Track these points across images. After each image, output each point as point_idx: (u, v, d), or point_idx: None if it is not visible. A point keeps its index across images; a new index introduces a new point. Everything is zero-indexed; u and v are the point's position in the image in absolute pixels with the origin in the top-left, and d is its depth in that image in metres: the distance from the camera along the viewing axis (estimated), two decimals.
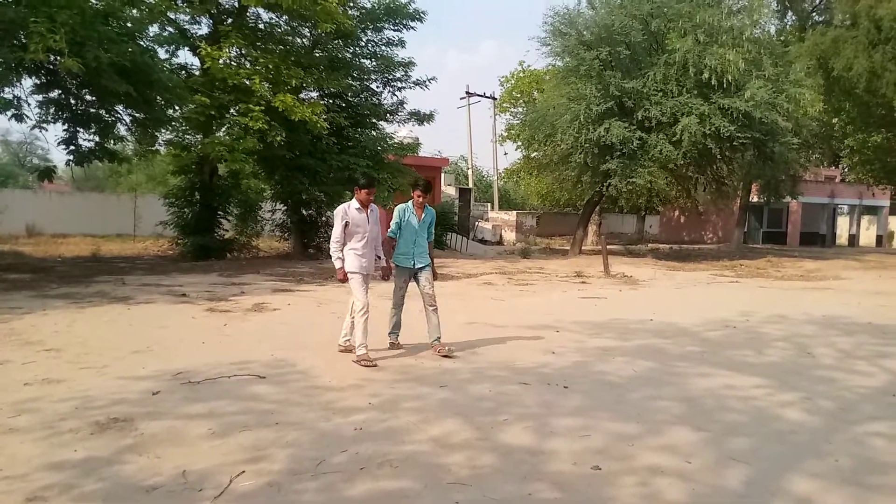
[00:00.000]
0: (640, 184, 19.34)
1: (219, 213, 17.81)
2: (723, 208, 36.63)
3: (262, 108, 15.08)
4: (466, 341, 7.16)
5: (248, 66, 16.12)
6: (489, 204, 38.55)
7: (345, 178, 17.65)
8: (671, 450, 3.96)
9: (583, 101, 19.09)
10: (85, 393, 4.81)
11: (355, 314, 6.02)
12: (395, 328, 6.68)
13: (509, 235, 32.56)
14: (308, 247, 19.32)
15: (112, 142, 15.61)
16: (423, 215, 6.60)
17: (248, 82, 15.35)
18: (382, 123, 20.40)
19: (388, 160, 18.89)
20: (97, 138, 14.63)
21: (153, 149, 17.07)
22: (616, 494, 3.33)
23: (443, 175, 30.00)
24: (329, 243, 6.22)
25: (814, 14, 26.80)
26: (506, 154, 75.04)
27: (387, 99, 20.31)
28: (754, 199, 31.93)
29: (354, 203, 6.22)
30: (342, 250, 6.13)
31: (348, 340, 6.34)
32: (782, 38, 25.73)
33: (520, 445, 3.99)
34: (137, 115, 14.41)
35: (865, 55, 21.58)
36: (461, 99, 39.33)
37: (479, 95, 39.02)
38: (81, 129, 14.30)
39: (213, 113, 15.47)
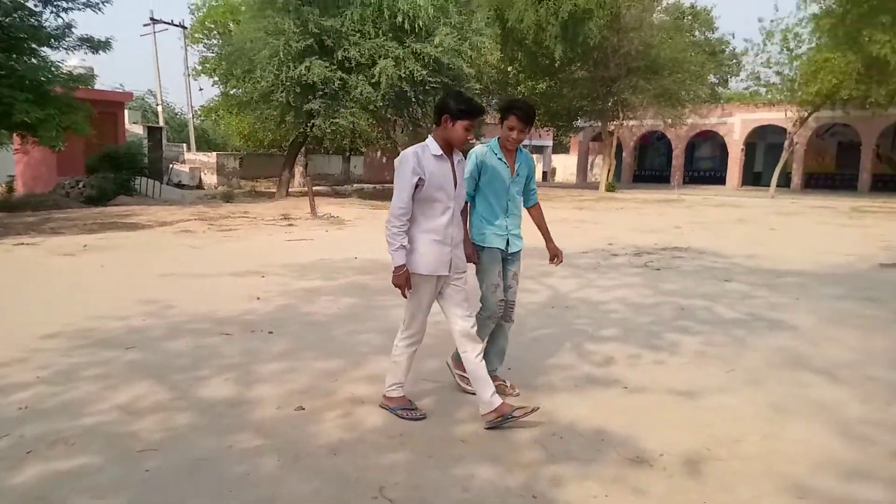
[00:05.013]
0: (344, 125, 19.58)
1: None
2: None
3: None
4: (160, 296, 6.61)
5: None
6: (185, 144, 35.60)
7: None
8: (371, 380, 4.18)
9: (282, 37, 18.43)
10: None
11: (398, 340, 3.75)
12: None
13: (210, 178, 30.60)
14: None
15: None
16: (517, 163, 4.01)
17: None
18: (46, 50, 17.20)
19: (55, 93, 16.13)
20: None
21: None
22: (319, 430, 3.41)
23: (127, 112, 26.80)
24: None
25: None
26: (201, 90, 70.48)
27: (49, 21, 17.15)
28: None
29: (433, 145, 3.43)
30: (406, 231, 3.43)
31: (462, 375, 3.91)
32: None
33: (220, 398, 3.83)
34: None
35: (533, 9, 24.21)
36: (145, 26, 35.16)
37: (165, 23, 35.22)
38: None
39: None
